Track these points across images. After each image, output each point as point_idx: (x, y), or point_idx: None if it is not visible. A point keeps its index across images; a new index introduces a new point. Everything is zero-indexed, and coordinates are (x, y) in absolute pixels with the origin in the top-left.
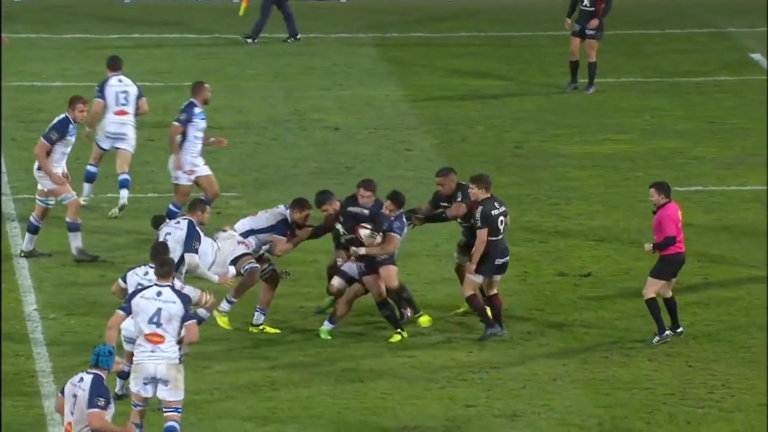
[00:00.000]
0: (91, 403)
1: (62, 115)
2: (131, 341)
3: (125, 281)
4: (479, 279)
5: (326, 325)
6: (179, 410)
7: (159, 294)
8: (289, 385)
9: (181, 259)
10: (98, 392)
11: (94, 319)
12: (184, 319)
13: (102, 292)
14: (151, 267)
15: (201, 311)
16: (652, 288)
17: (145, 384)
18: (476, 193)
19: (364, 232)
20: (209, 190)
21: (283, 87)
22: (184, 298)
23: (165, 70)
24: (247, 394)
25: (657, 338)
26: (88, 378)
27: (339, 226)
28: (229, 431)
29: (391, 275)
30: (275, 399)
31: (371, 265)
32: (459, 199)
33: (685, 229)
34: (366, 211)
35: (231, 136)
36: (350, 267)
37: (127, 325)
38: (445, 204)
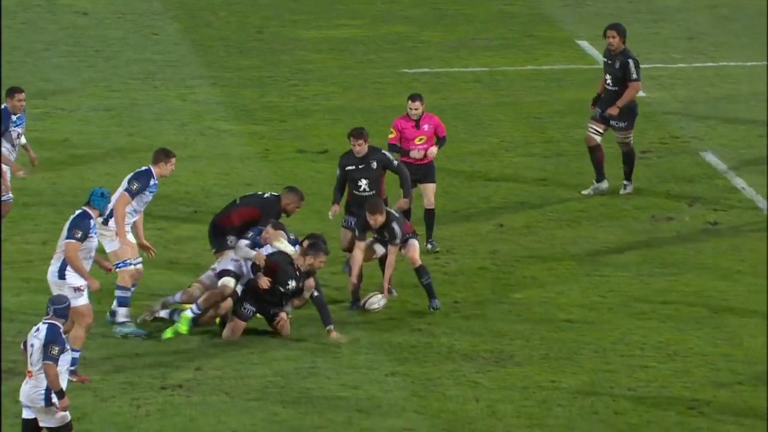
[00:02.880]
0: (69, 235)
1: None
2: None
3: None
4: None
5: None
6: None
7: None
8: None
9: None
10: (76, 225)
11: None
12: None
13: None
14: None
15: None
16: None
17: None
18: (364, 147)
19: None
20: None
21: None
22: (144, 175)
23: None
24: None
25: (430, 246)
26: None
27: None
28: None
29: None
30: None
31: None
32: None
33: None
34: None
35: None
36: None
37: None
38: None
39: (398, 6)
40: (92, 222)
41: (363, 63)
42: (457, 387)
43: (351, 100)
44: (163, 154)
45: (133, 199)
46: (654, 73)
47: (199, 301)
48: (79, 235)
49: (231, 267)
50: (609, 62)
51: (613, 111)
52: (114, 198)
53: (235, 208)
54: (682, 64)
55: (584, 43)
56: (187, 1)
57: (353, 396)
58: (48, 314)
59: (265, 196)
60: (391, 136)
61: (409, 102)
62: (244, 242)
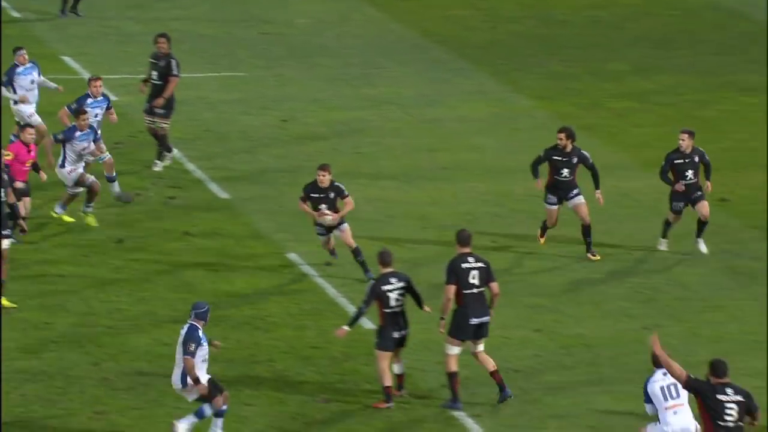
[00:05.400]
0: None
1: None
2: None
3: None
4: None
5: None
6: None
7: None
8: None
9: None
10: None
11: None
12: None
13: None
14: None
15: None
16: None
17: None
18: None
19: None
20: None
21: None
22: None
23: None
24: None
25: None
26: None
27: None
28: None
29: None
30: None
31: None
32: None
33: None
34: None
35: None
36: None
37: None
38: None
39: None
40: None
41: None
42: None
43: None
44: None
45: None
46: (125, 81)
47: None
48: None
49: None
50: (155, 62)
51: (159, 102)
52: None
53: None
54: (144, 75)
55: (67, 58)
56: None
57: None
58: (190, 317)
59: None
60: (8, 157)
61: (28, 129)
62: None
